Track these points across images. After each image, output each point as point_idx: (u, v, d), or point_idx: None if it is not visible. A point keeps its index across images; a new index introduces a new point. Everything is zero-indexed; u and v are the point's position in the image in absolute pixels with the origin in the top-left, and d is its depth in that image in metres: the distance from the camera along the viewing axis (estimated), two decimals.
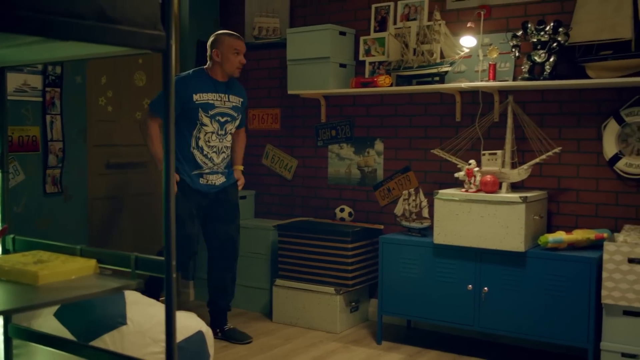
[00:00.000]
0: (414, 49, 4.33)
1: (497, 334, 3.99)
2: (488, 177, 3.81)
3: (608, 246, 3.44)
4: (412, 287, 4.05)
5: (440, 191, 3.92)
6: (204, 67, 4.15)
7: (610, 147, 3.85)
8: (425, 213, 4.17)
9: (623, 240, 3.46)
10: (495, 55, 3.97)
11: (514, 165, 3.94)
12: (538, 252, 3.67)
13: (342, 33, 4.63)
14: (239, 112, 4.20)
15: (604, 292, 3.45)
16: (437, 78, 4.19)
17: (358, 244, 4.41)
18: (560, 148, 3.84)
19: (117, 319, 2.66)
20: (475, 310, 3.84)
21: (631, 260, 3.38)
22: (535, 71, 3.88)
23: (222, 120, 4.09)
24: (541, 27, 3.82)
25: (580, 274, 3.54)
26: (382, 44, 4.58)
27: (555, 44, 3.78)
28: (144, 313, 2.76)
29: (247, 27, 5.28)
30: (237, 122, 4.20)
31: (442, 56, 4.22)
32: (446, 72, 4.17)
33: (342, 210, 4.74)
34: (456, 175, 3.97)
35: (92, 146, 4.57)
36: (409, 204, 4.21)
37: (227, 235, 4.22)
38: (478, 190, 3.84)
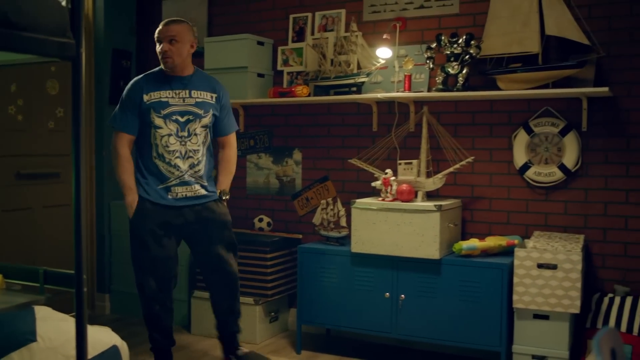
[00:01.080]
0: (332, 60, 4.37)
1: (414, 341, 4.05)
2: (404, 186, 3.88)
3: (519, 252, 3.56)
4: (330, 296, 4.07)
5: (358, 200, 3.96)
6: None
7: (520, 157, 3.99)
8: (343, 222, 4.20)
9: (532, 247, 3.58)
10: (410, 67, 4.05)
11: (429, 175, 4.03)
12: (452, 259, 3.76)
13: (260, 43, 4.62)
14: (208, 108, 3.63)
15: (515, 297, 3.56)
16: (354, 88, 4.24)
17: (277, 254, 4.40)
18: (473, 157, 3.95)
19: (27, 336, 2.57)
20: (392, 318, 3.89)
21: (540, 266, 3.50)
22: (449, 82, 3.98)
23: (183, 119, 3.56)
24: (454, 39, 3.93)
25: (493, 279, 3.64)
26: (300, 54, 4.61)
27: (467, 57, 3.89)
28: (55, 329, 2.67)
29: None
30: (206, 120, 3.62)
31: (359, 67, 4.28)
32: (363, 82, 4.23)
33: (260, 220, 4.73)
34: (373, 184, 4.03)
35: None
36: (327, 213, 4.23)
37: (217, 257, 3.69)
38: (394, 199, 3.90)
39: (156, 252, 3.58)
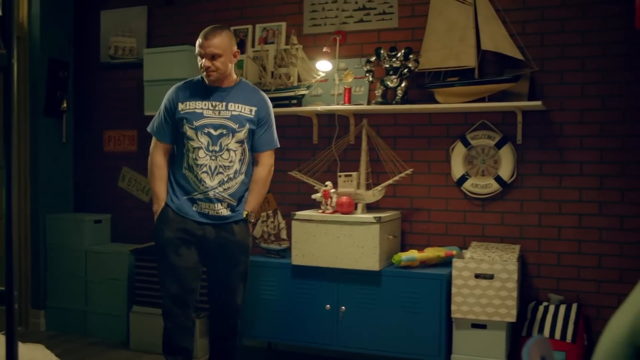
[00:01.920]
0: (272, 72, 4.37)
1: (356, 352, 4.06)
2: (344, 199, 3.90)
3: (456, 263, 3.62)
4: (272, 309, 4.05)
5: (298, 212, 3.96)
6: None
7: (457, 169, 4.06)
8: (284, 234, 4.20)
9: (470, 257, 3.64)
10: (350, 80, 4.09)
11: (368, 187, 4.06)
12: (392, 271, 3.79)
13: None
14: (244, 122, 3.36)
15: (453, 307, 3.62)
16: (294, 101, 4.25)
17: None
18: (412, 170, 4.00)
19: None
20: (333, 330, 3.90)
21: (477, 276, 3.57)
22: (388, 96, 4.03)
23: (216, 133, 3.32)
24: (393, 53, 3.98)
25: (432, 290, 3.69)
26: (240, 67, 4.59)
27: (406, 70, 3.95)
28: None
29: (103, 46, 5.13)
30: (241, 135, 3.35)
31: (299, 80, 4.30)
32: (303, 95, 4.25)
33: None
34: (313, 196, 4.04)
35: None
36: (267, 226, 4.22)
37: (225, 281, 3.43)
38: (334, 212, 3.92)
39: (174, 260, 3.35)
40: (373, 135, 4.13)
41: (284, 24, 4.52)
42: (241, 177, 3.40)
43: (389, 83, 3.98)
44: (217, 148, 3.32)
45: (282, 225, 4.20)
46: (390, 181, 4.00)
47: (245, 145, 3.39)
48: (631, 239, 3.76)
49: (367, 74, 4.07)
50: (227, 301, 3.46)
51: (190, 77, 4.44)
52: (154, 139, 3.47)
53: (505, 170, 3.95)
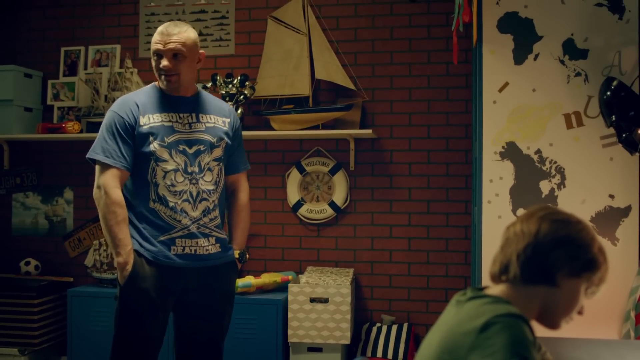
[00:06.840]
0: (105, 96, 4.25)
1: None
2: None
3: (292, 288, 3.66)
4: (104, 342, 3.87)
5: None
6: (156, 81, 2.75)
7: (293, 195, 4.13)
8: None
9: (305, 282, 3.70)
10: None
11: None
12: None
13: (28, 75, 4.38)
14: (221, 136, 2.71)
15: (290, 332, 3.66)
16: None
17: (45, 299, 4.13)
18: None
19: None
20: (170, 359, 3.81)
21: (313, 300, 3.63)
22: None
23: (191, 151, 2.63)
24: (229, 80, 4.00)
25: (268, 315, 3.71)
26: (71, 89, 4.42)
27: (242, 97, 3.98)
28: None
29: None
30: (219, 151, 2.70)
31: None
32: None
33: (27, 263, 4.42)
34: None
35: None
36: (100, 255, 4.08)
37: (210, 340, 2.73)
38: None
39: (149, 329, 2.60)
40: None
41: (118, 47, 4.41)
42: (220, 204, 2.75)
43: None
44: (196, 169, 2.63)
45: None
46: None
47: (222, 165, 2.75)
48: (455, 260, 3.98)
49: None
50: None
51: (16, 98, 4.24)
52: (104, 169, 2.57)
53: (339, 196, 4.06)
